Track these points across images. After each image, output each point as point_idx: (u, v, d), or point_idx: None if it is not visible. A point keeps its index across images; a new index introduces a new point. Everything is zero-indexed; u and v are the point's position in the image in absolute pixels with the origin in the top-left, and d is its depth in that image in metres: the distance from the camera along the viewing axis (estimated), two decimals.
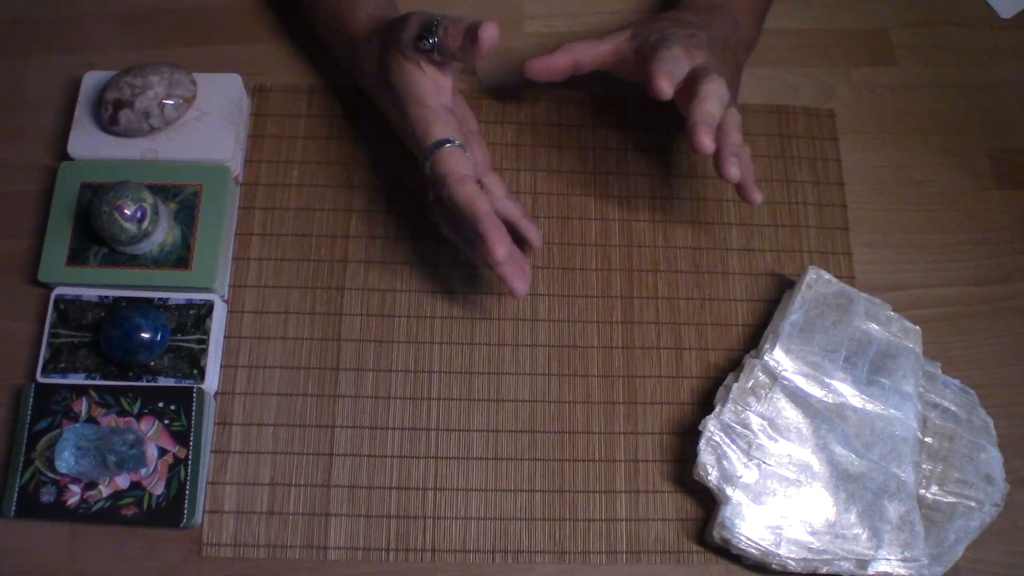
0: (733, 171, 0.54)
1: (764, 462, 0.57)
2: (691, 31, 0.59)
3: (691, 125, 0.53)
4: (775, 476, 0.57)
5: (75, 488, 0.56)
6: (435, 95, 0.56)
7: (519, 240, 0.59)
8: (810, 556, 0.56)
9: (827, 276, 0.61)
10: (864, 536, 0.56)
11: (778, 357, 0.59)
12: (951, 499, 0.58)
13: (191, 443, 0.57)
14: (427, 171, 0.55)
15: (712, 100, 0.54)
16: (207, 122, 0.63)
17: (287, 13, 0.70)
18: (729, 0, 0.64)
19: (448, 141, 0.54)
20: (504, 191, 0.60)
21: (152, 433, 0.57)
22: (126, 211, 0.56)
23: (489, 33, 0.51)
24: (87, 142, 0.62)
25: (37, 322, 0.61)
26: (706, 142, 0.52)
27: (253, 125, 0.66)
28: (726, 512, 0.56)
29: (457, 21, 0.53)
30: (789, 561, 0.56)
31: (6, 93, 0.67)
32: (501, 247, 0.52)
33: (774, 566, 0.56)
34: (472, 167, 0.55)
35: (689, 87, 0.56)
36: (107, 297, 0.60)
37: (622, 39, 0.61)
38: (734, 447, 0.57)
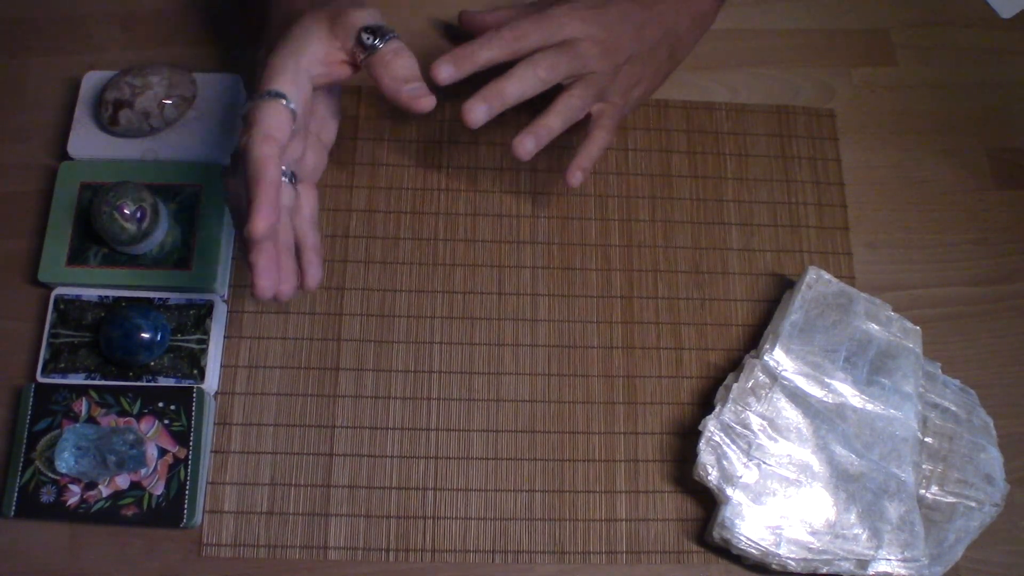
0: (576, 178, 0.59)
1: (764, 462, 0.57)
2: (599, 4, 0.58)
3: (570, 170, 0.59)
4: (775, 476, 0.57)
5: (75, 488, 0.56)
6: (317, 63, 0.49)
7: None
8: (810, 556, 0.56)
9: (827, 276, 0.61)
10: (864, 536, 0.56)
11: (778, 357, 0.59)
12: (951, 499, 0.58)
13: (191, 443, 0.57)
14: (243, 113, 0.49)
15: (592, 154, 0.60)
16: (207, 122, 0.63)
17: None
18: None
19: (283, 97, 0.48)
20: (313, 213, 0.54)
21: (152, 433, 0.57)
22: (126, 211, 0.56)
23: (420, 105, 0.49)
24: (87, 142, 0.62)
25: (37, 322, 0.61)
26: (575, 178, 0.59)
27: None
28: (726, 512, 0.56)
29: (407, 55, 0.49)
30: (789, 561, 0.56)
31: (6, 93, 0.67)
32: (263, 221, 0.45)
33: (774, 566, 0.56)
34: (287, 135, 0.48)
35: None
36: (107, 297, 0.60)
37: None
38: (734, 447, 0.57)
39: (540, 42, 0.56)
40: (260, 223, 0.45)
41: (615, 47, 0.59)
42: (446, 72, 0.54)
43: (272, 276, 0.47)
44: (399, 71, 0.49)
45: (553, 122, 0.57)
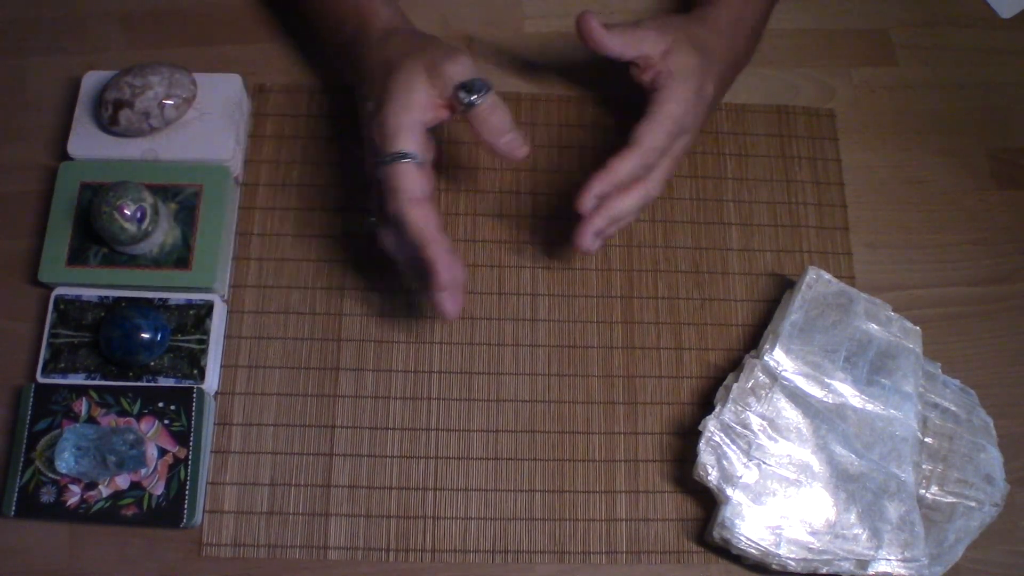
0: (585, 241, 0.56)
1: (764, 462, 0.57)
2: (700, 89, 0.57)
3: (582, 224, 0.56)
4: (775, 476, 0.57)
5: (75, 488, 0.56)
6: (423, 112, 0.53)
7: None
8: (810, 556, 0.56)
9: (827, 276, 0.61)
10: (864, 536, 0.56)
11: (778, 357, 0.59)
12: (951, 499, 0.58)
13: (191, 443, 0.57)
14: (378, 176, 0.53)
15: (632, 210, 0.57)
16: (207, 122, 0.63)
17: (287, 13, 0.70)
18: (743, 19, 0.62)
19: (409, 156, 0.52)
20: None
21: (152, 433, 0.57)
22: (126, 211, 0.56)
23: (517, 156, 0.53)
24: (87, 142, 0.62)
25: (37, 322, 0.61)
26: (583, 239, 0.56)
27: (253, 125, 0.66)
28: (726, 512, 0.56)
29: (502, 109, 0.53)
30: (789, 561, 0.56)
31: (6, 93, 0.67)
32: (447, 274, 0.51)
33: (774, 566, 0.56)
34: (427, 188, 0.53)
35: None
36: (107, 297, 0.60)
37: (652, 52, 0.57)
38: (734, 447, 0.57)
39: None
40: (444, 277, 0.51)
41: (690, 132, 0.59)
42: (590, 205, 0.55)
43: (455, 302, 0.54)
44: (496, 125, 0.53)
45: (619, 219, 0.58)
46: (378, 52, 0.57)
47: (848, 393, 0.59)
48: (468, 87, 0.52)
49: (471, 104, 0.52)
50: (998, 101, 0.71)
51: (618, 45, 0.56)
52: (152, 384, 0.58)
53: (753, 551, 0.56)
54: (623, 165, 0.55)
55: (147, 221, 0.57)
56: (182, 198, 0.61)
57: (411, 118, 0.53)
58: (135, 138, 0.62)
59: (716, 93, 0.59)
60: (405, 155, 0.52)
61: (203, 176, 0.61)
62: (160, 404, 0.57)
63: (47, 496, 0.56)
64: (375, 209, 0.56)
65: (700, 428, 0.58)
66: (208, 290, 0.60)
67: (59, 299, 0.60)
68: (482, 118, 0.53)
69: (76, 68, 0.66)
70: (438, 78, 0.53)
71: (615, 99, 0.69)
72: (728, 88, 0.64)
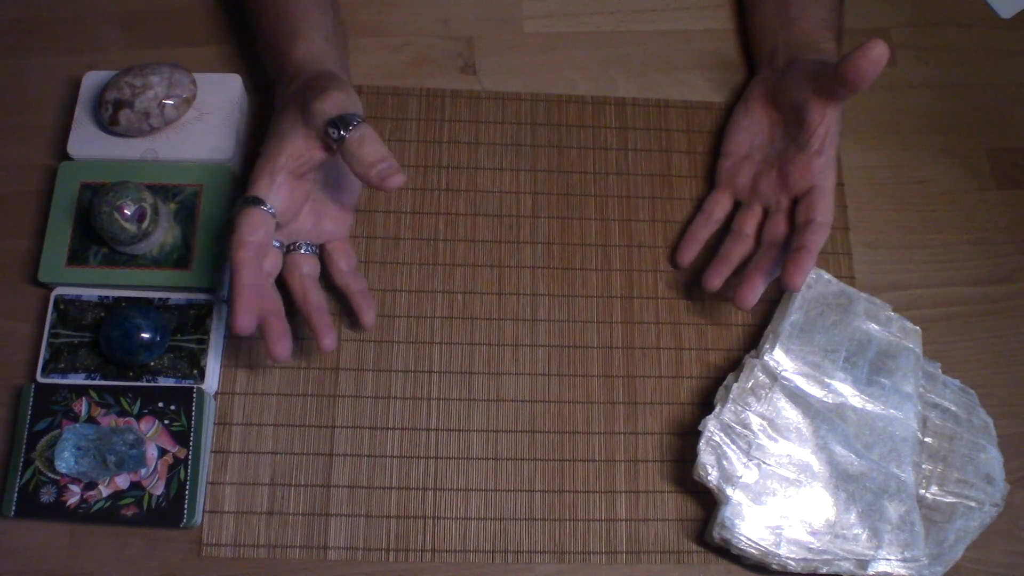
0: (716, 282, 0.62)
1: (764, 462, 0.57)
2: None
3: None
4: (775, 476, 0.57)
5: (75, 488, 0.56)
6: (293, 159, 0.53)
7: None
8: (810, 556, 0.56)
9: (827, 276, 0.61)
10: (864, 536, 0.56)
11: (778, 357, 0.59)
12: (951, 499, 0.58)
13: (191, 443, 0.57)
14: (230, 215, 0.54)
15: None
16: (207, 122, 0.63)
17: None
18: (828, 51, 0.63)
19: (260, 203, 0.52)
20: (351, 264, 0.60)
21: (152, 433, 0.57)
22: (126, 211, 0.56)
23: (389, 184, 0.51)
24: (87, 142, 0.62)
25: (37, 322, 0.61)
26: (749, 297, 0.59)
27: (253, 125, 0.66)
28: (726, 512, 0.56)
29: (371, 140, 0.51)
30: (789, 561, 0.56)
31: (6, 93, 0.67)
32: (241, 319, 0.51)
33: (774, 566, 0.56)
34: (264, 235, 0.52)
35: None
36: (107, 297, 0.60)
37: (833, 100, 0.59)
38: (734, 447, 0.57)
39: None
40: (238, 322, 0.51)
41: None
42: (717, 283, 0.61)
43: (279, 342, 0.53)
44: (366, 157, 0.52)
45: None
46: (280, 93, 0.57)
47: (848, 393, 0.59)
48: (337, 122, 0.51)
49: (340, 139, 0.51)
50: (998, 101, 0.71)
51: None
52: (152, 384, 0.58)
53: (753, 551, 0.56)
54: (821, 240, 0.57)
55: (147, 221, 0.57)
56: (182, 198, 0.61)
57: (274, 167, 0.53)
58: (135, 138, 0.62)
59: None
60: (255, 200, 0.53)
61: (203, 176, 0.61)
62: (160, 404, 0.57)
63: (47, 496, 0.56)
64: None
65: (700, 428, 0.58)
66: (208, 290, 0.60)
67: (59, 299, 0.60)
68: (351, 152, 0.51)
69: (76, 68, 0.66)
70: (311, 120, 0.52)
71: (615, 99, 0.69)
72: None
